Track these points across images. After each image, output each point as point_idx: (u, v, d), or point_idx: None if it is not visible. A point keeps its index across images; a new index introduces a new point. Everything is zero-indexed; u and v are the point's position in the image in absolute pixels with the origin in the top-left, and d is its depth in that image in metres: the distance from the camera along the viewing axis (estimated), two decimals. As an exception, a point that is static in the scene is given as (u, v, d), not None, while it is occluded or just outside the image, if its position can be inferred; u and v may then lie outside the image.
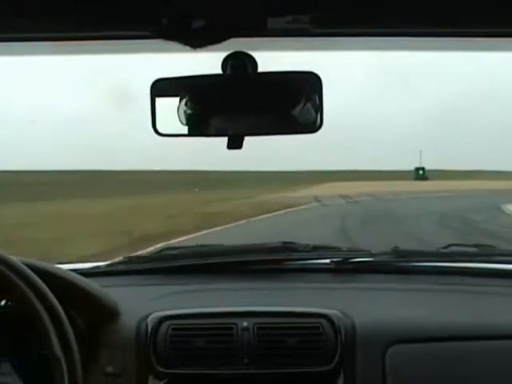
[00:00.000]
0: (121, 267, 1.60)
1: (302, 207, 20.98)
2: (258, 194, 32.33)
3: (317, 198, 26.20)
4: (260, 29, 0.87)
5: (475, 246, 1.61)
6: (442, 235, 10.61)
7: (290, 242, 1.64)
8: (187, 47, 0.87)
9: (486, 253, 1.58)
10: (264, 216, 16.63)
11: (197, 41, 0.87)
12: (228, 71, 1.01)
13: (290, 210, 19.51)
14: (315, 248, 1.61)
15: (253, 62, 1.01)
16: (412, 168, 68.02)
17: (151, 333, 1.22)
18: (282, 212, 18.38)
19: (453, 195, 27.45)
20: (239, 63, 1.00)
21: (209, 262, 1.57)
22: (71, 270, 1.25)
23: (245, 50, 0.99)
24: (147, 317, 1.25)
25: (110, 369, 1.19)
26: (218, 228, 12.82)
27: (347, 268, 1.55)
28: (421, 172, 64.75)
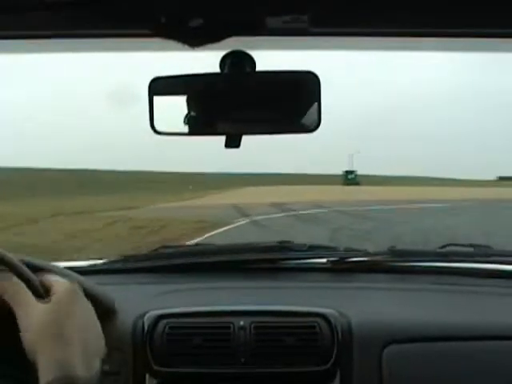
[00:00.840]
0: (118, 265, 1.60)
1: (221, 230, 11.85)
2: (150, 200, 23.65)
3: (241, 210, 17.05)
4: (259, 28, 0.87)
5: (472, 246, 1.61)
6: None
7: (286, 241, 1.64)
8: (185, 46, 0.87)
9: (483, 253, 1.58)
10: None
11: (195, 39, 0.87)
12: (226, 70, 1.00)
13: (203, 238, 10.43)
14: (312, 247, 1.61)
15: (251, 61, 1.01)
16: (340, 172, 59.77)
17: (148, 331, 1.22)
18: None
19: (453, 206, 20.32)
20: (237, 62, 1.00)
21: (206, 260, 1.57)
22: (67, 267, 1.25)
23: (243, 49, 0.99)
24: (144, 315, 1.25)
25: (106, 367, 1.18)
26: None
27: (344, 267, 1.56)
28: (351, 176, 57.32)
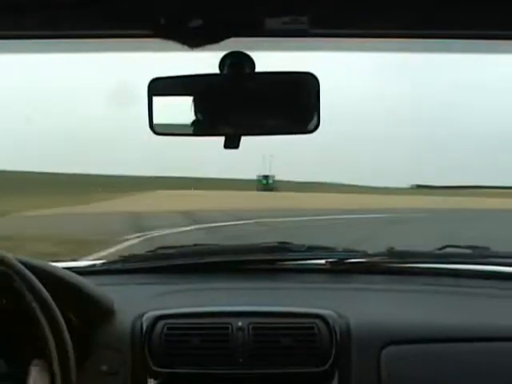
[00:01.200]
0: (116, 266, 1.60)
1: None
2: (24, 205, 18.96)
3: (138, 221, 13.68)
4: (258, 29, 0.87)
5: (470, 247, 1.61)
6: None
7: (285, 242, 1.64)
8: (185, 46, 0.87)
9: (481, 254, 1.58)
10: None
11: (194, 40, 0.87)
12: (225, 71, 1.01)
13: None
14: (310, 248, 1.61)
15: (250, 62, 1.01)
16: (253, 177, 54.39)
17: (146, 332, 1.22)
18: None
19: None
20: (237, 63, 1.00)
21: (204, 261, 1.57)
22: (66, 268, 1.25)
23: (243, 50, 0.99)
24: (142, 316, 1.25)
25: (104, 367, 1.18)
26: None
27: (342, 268, 1.56)
28: (266, 181, 52.72)
